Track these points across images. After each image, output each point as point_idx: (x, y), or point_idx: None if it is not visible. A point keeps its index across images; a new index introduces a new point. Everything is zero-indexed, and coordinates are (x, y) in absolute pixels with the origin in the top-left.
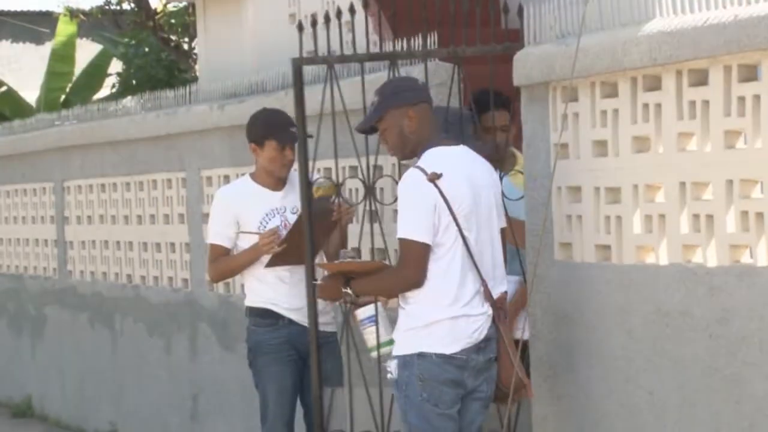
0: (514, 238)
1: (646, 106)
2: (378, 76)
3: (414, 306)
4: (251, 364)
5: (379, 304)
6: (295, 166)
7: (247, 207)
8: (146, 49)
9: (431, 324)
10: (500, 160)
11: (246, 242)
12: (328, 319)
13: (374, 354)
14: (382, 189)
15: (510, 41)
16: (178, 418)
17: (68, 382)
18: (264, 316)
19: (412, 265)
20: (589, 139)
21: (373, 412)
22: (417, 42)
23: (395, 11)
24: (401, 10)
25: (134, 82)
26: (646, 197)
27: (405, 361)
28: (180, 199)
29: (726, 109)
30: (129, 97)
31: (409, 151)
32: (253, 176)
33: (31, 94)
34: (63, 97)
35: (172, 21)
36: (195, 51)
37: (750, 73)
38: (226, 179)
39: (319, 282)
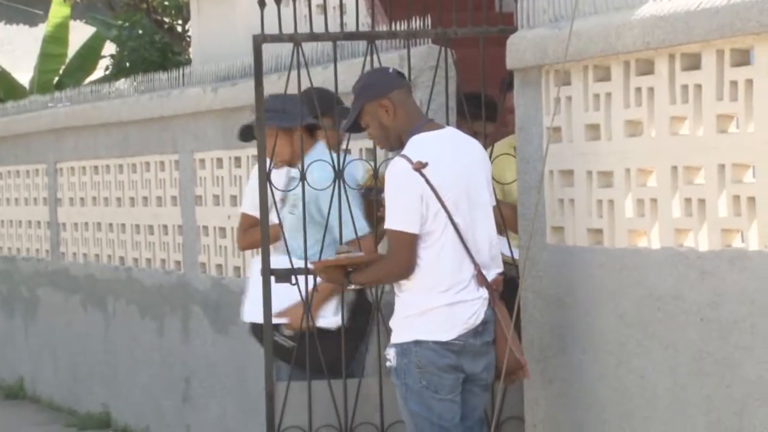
0: (502, 221)
1: (638, 90)
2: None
3: (409, 293)
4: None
5: None
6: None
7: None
8: (140, 32)
9: (427, 311)
10: None
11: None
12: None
13: None
14: None
15: (504, 24)
16: (170, 401)
17: (60, 364)
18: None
19: (399, 255)
20: (581, 122)
21: (335, 405)
22: (408, 24)
23: None
24: None
25: (127, 64)
26: (638, 181)
27: (402, 349)
28: (173, 181)
29: (718, 93)
30: (122, 80)
31: (394, 141)
32: None
33: (24, 76)
34: (56, 79)
35: (166, 3)
36: (188, 33)
37: (742, 58)
38: (219, 162)
39: (312, 267)
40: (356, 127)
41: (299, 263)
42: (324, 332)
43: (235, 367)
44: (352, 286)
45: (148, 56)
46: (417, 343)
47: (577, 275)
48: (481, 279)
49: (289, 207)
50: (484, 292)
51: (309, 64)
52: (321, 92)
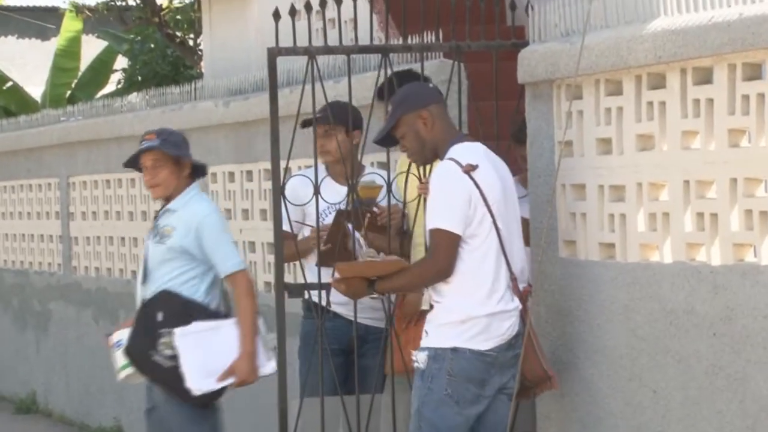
0: None
1: (650, 104)
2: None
3: (450, 299)
4: (298, 353)
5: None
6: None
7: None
8: (151, 46)
9: (468, 319)
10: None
11: (309, 231)
12: (375, 313)
13: (121, 376)
14: None
15: (516, 38)
16: None
17: (72, 378)
18: (311, 308)
19: (440, 254)
20: (593, 136)
21: (348, 421)
22: (423, 38)
23: (405, 9)
24: (411, 9)
25: (139, 78)
26: (650, 195)
27: (437, 354)
28: None
29: (730, 107)
30: (134, 94)
31: (429, 153)
32: (328, 168)
33: (36, 90)
34: (68, 93)
35: (178, 17)
36: (200, 47)
37: (754, 72)
38: (231, 176)
39: (331, 282)
40: (388, 140)
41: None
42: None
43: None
44: (375, 295)
45: (159, 70)
46: (455, 350)
47: (589, 289)
48: (515, 289)
49: (157, 237)
50: (518, 303)
51: (323, 77)
52: (334, 104)
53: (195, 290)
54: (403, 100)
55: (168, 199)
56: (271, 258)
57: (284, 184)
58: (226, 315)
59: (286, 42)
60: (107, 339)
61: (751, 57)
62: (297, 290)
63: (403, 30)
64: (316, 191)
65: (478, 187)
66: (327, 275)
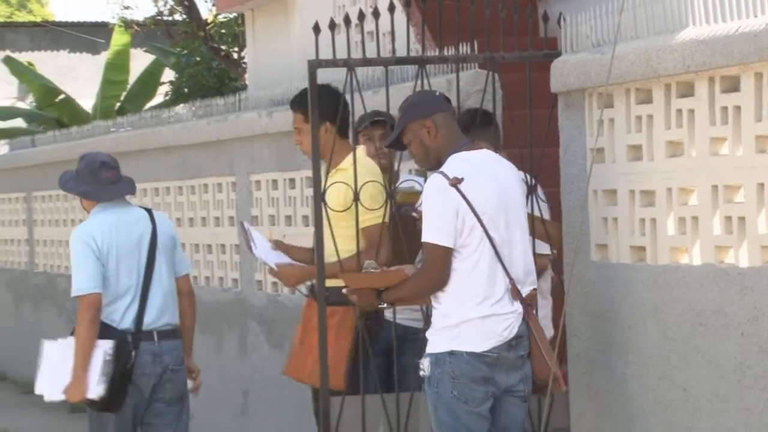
0: (548, 237)
1: (679, 111)
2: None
3: (445, 305)
4: None
5: None
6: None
7: None
8: (197, 59)
9: (462, 323)
10: None
11: None
12: (414, 314)
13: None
14: None
15: (549, 49)
16: (228, 414)
17: None
18: None
19: (433, 267)
20: (624, 143)
21: (387, 417)
22: (457, 49)
23: (441, 21)
24: (447, 22)
25: (186, 90)
26: (679, 200)
27: (437, 359)
28: (230, 202)
29: (757, 114)
30: (181, 105)
31: (433, 160)
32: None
33: (87, 102)
34: (118, 104)
35: (222, 31)
36: (244, 60)
37: None
38: (274, 183)
39: (344, 291)
40: (399, 144)
41: None
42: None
43: (291, 380)
44: (384, 305)
45: (205, 82)
46: (452, 353)
47: (621, 291)
48: (515, 293)
49: None
50: (518, 307)
51: (362, 87)
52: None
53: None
54: (410, 107)
55: None
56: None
57: (325, 191)
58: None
59: (326, 54)
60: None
61: None
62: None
63: (439, 42)
64: (356, 198)
65: (465, 198)
66: None
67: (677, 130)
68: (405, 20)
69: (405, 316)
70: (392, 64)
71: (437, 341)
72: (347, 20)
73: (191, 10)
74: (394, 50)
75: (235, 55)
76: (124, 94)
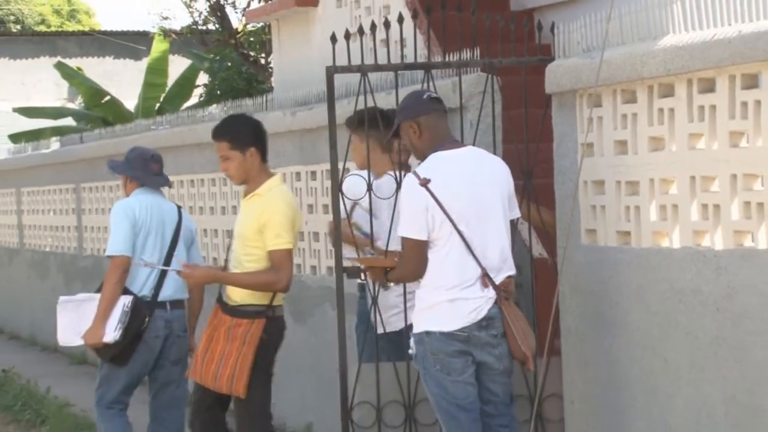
0: (542, 223)
1: (661, 110)
2: (442, 84)
3: (421, 290)
4: (355, 328)
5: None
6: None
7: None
8: (229, 64)
9: (433, 306)
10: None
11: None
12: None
13: None
14: None
15: (543, 55)
16: None
17: None
18: (365, 290)
19: (409, 258)
20: (611, 139)
21: (399, 383)
22: (459, 55)
23: (445, 30)
24: (451, 30)
25: (218, 92)
26: (661, 190)
27: (419, 339)
28: None
29: (731, 112)
30: (214, 105)
31: (420, 157)
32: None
33: (130, 103)
34: (157, 105)
35: (251, 39)
36: (270, 65)
37: (752, 82)
38: (297, 175)
39: (349, 266)
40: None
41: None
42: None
43: (311, 351)
44: (391, 284)
45: (236, 85)
46: (427, 333)
47: (608, 272)
48: (486, 281)
49: None
50: (490, 292)
51: (374, 90)
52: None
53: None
54: (401, 109)
55: None
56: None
57: (342, 182)
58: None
59: (342, 60)
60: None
61: (748, 69)
62: (354, 273)
63: (443, 48)
64: (369, 188)
65: (433, 196)
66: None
67: (659, 127)
68: (413, 29)
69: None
70: (401, 69)
71: (417, 322)
72: (361, 31)
73: (223, 20)
74: (403, 56)
75: (263, 61)
76: (163, 95)
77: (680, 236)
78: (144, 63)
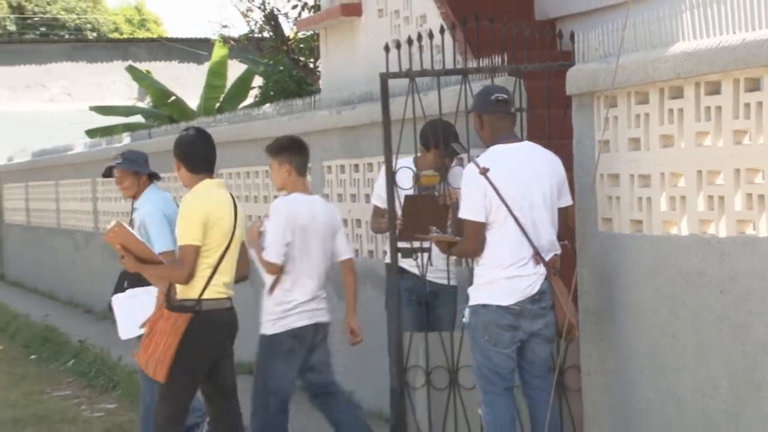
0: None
1: (671, 111)
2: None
3: (480, 267)
4: (385, 304)
5: None
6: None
7: (405, 180)
8: (281, 68)
9: (492, 282)
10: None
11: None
12: (444, 274)
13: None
14: None
15: (564, 60)
16: None
17: None
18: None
19: (468, 237)
20: (625, 136)
21: (444, 351)
22: (491, 60)
23: (479, 39)
24: (483, 39)
25: (272, 93)
26: (670, 183)
27: (473, 310)
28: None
29: (735, 113)
30: (267, 105)
31: (485, 144)
32: (416, 159)
33: (193, 103)
34: (217, 104)
35: (301, 46)
36: (318, 69)
37: (754, 85)
38: (342, 168)
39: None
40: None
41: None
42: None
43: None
44: (454, 258)
45: (287, 87)
46: (484, 306)
47: (622, 256)
48: (538, 259)
49: (135, 229)
50: (541, 269)
51: (420, 91)
52: (435, 125)
53: None
54: (474, 100)
55: (134, 198)
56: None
57: (395, 173)
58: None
59: (385, 66)
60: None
61: (751, 73)
62: (407, 253)
63: (476, 55)
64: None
65: (492, 184)
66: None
67: (669, 126)
68: (445, 38)
69: (436, 275)
70: (442, 74)
71: (474, 296)
72: (410, 41)
73: (277, 28)
74: (444, 62)
75: (311, 65)
76: (223, 96)
77: (688, 225)
78: (206, 67)
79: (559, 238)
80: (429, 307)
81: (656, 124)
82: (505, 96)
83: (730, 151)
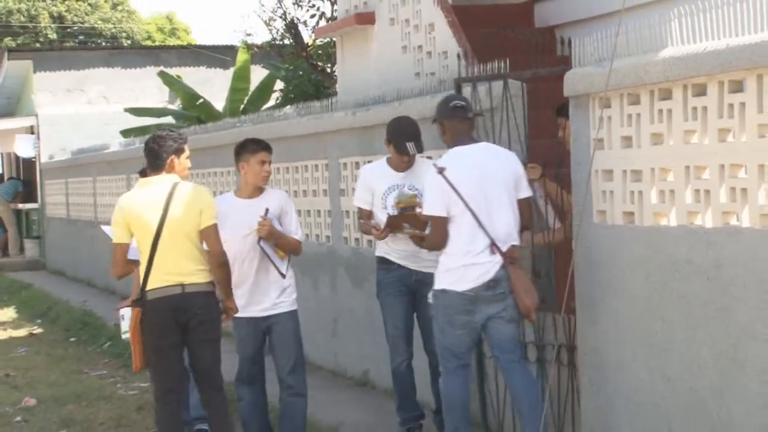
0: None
1: (660, 111)
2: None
3: (443, 256)
4: (377, 295)
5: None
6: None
7: (378, 180)
8: (300, 73)
9: (450, 269)
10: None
11: (383, 216)
12: (428, 263)
13: (124, 336)
14: None
15: (563, 65)
16: (323, 335)
17: None
18: (382, 262)
19: (434, 231)
20: (618, 135)
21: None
22: (493, 66)
23: (483, 44)
24: (486, 44)
25: (292, 96)
26: (660, 177)
27: (435, 294)
28: (324, 178)
29: (720, 113)
30: (288, 107)
31: (449, 145)
32: (388, 159)
33: (219, 105)
34: (242, 106)
35: (320, 52)
36: (335, 73)
37: (737, 87)
38: (357, 164)
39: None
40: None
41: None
42: None
43: (367, 311)
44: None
45: (306, 90)
46: (443, 291)
47: (616, 246)
48: (494, 248)
49: None
50: (497, 258)
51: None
52: (397, 122)
53: None
54: (436, 110)
55: None
56: None
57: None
58: None
59: (398, 71)
60: (117, 312)
61: (734, 76)
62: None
63: (482, 61)
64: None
65: (448, 182)
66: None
67: (659, 125)
68: (451, 44)
69: (422, 265)
70: (460, 82)
71: (437, 281)
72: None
73: (296, 36)
74: (460, 71)
75: (329, 70)
76: (246, 98)
77: (676, 216)
78: (231, 72)
79: (526, 227)
80: (416, 295)
81: (647, 124)
82: (463, 103)
83: (715, 148)
